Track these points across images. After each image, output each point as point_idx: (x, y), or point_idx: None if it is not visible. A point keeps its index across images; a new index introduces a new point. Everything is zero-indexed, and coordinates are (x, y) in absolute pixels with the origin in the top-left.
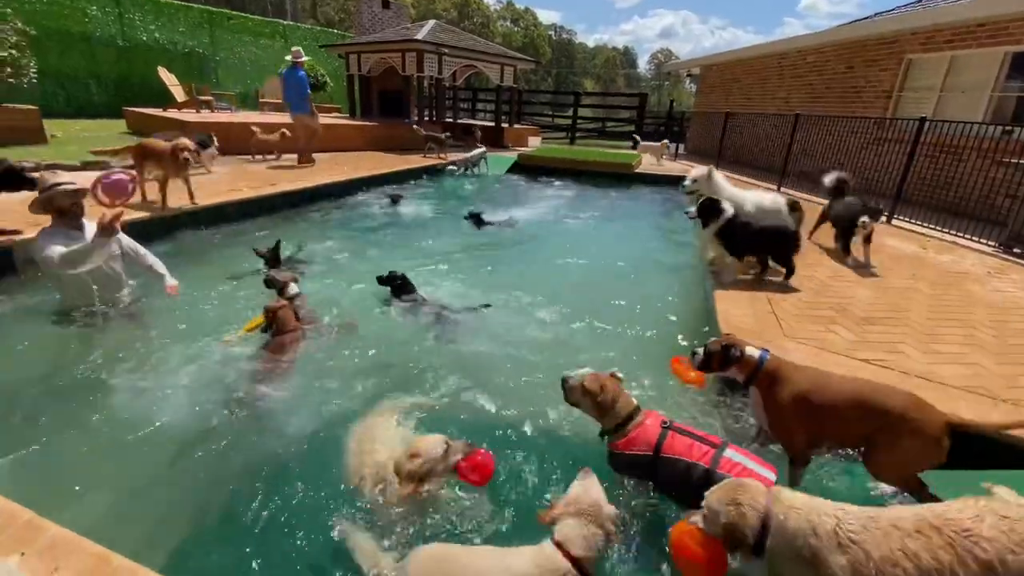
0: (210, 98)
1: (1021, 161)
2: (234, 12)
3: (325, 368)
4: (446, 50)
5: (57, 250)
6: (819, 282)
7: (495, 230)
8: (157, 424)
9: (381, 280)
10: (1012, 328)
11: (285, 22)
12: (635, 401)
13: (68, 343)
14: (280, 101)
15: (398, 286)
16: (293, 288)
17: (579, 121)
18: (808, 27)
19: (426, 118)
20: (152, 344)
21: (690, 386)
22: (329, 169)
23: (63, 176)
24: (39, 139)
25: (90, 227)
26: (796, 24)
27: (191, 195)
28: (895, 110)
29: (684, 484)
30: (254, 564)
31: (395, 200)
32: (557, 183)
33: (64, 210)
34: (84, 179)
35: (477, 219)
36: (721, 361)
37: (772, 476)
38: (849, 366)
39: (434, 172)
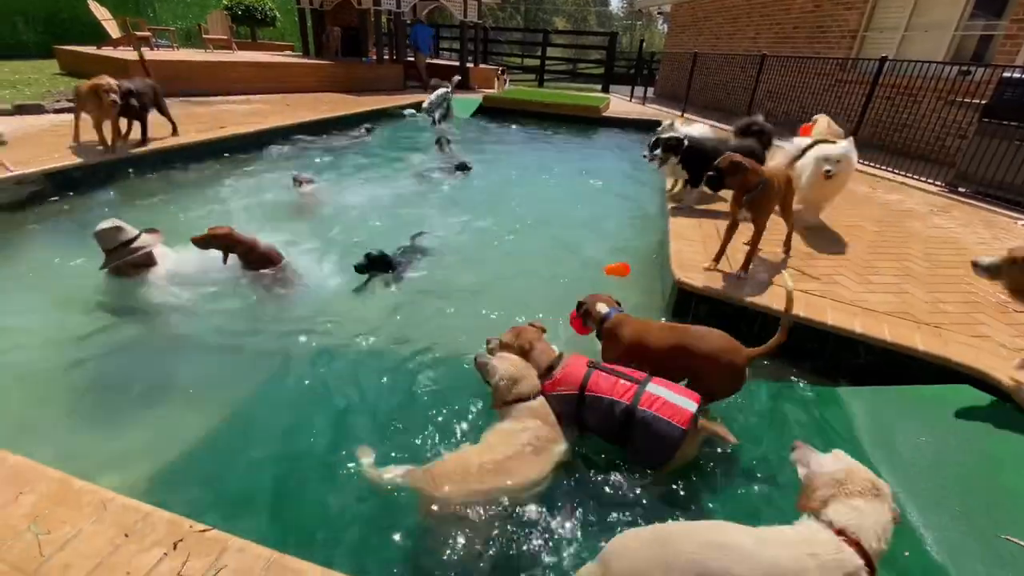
0: (148, 34)
1: (974, 101)
2: None
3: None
4: None
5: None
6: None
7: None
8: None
9: (362, 268)
10: (942, 260)
11: None
12: (557, 350)
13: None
14: (227, 38)
15: (383, 264)
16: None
17: (548, 62)
18: None
19: (385, 56)
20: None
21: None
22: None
23: (128, 229)
24: None
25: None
26: None
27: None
28: (859, 50)
29: (608, 422)
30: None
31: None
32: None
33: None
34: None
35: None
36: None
37: (692, 406)
38: None
39: (388, 117)
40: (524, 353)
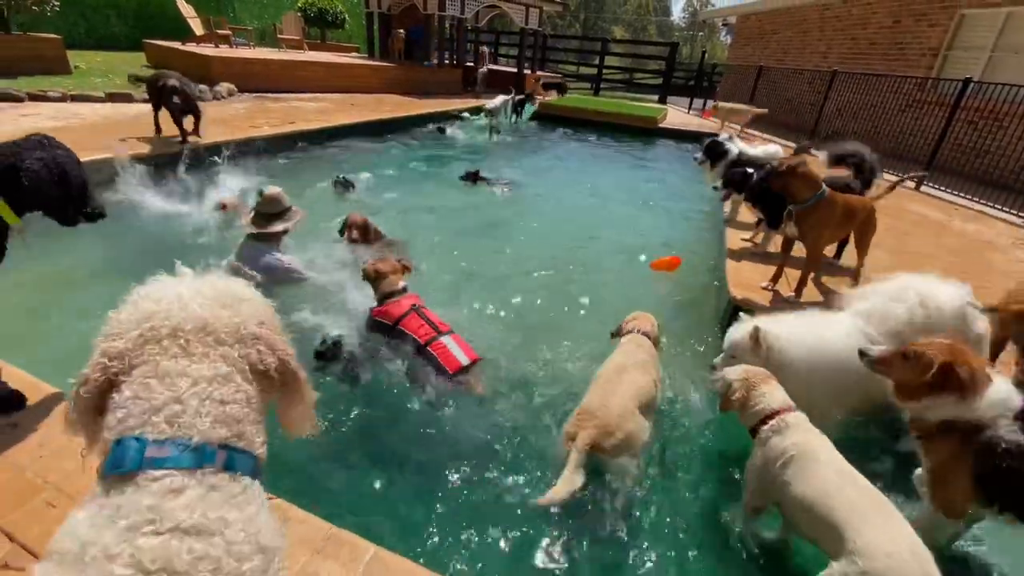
0: (228, 32)
1: None
2: None
3: None
4: None
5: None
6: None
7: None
8: None
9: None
10: None
11: None
12: (403, 284)
13: None
14: (299, 38)
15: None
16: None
17: (605, 71)
18: None
19: (446, 61)
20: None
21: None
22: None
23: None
24: (63, 69)
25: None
26: None
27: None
28: (941, 70)
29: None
30: None
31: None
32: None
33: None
34: (109, 110)
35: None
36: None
37: (465, 360)
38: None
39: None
40: (374, 279)
